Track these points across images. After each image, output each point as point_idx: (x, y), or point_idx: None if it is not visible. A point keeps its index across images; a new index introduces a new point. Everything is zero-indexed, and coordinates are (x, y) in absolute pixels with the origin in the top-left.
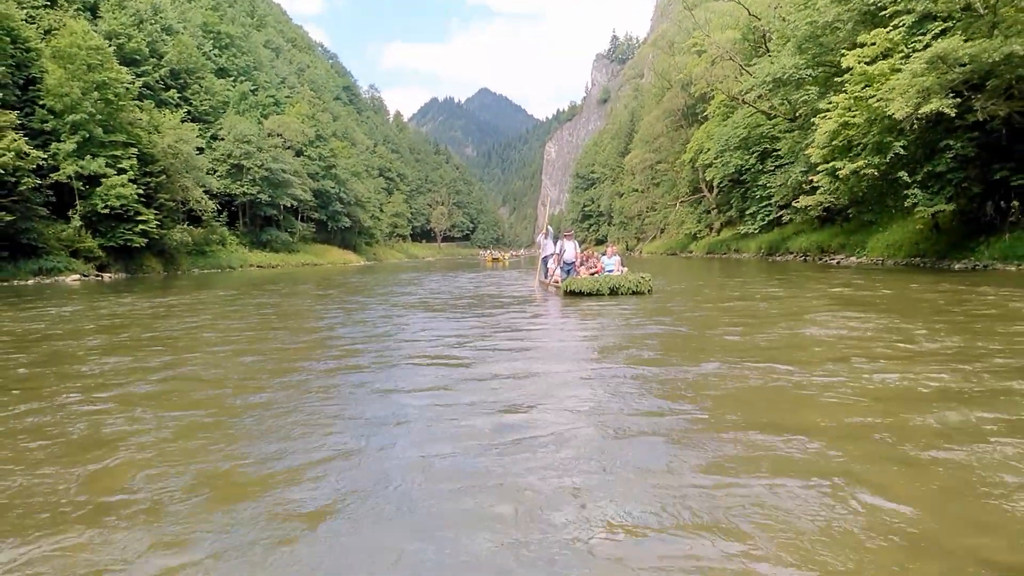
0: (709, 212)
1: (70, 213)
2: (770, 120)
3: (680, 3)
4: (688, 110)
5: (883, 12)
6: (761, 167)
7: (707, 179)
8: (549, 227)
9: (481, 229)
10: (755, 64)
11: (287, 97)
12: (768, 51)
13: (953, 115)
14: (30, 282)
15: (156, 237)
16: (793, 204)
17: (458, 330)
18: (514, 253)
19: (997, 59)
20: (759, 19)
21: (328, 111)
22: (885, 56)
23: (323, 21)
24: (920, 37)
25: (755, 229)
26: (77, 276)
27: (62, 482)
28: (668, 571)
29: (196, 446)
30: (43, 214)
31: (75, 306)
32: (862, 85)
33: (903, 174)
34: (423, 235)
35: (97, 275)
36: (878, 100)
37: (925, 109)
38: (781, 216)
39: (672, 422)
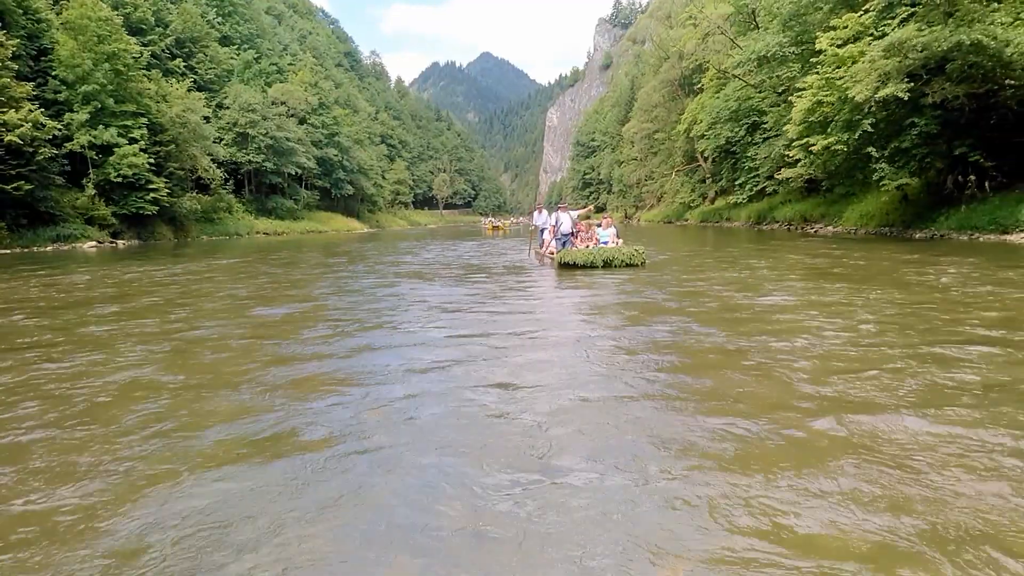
0: (704, 182)
1: (84, 182)
2: (759, 93)
3: None
4: (684, 80)
5: None
6: (750, 139)
7: (700, 150)
8: (542, 207)
9: (483, 196)
10: (747, 37)
11: (290, 65)
12: (758, 26)
13: (906, 98)
14: (48, 248)
15: (167, 205)
16: (775, 176)
17: (449, 299)
18: (515, 220)
19: (946, 47)
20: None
21: (330, 78)
22: (857, 39)
23: None
24: (889, 21)
25: (744, 199)
26: (93, 243)
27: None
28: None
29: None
30: (59, 183)
31: (102, 271)
32: (834, 67)
33: (871, 149)
34: (425, 202)
35: (111, 242)
36: (845, 82)
37: (882, 93)
38: (767, 187)
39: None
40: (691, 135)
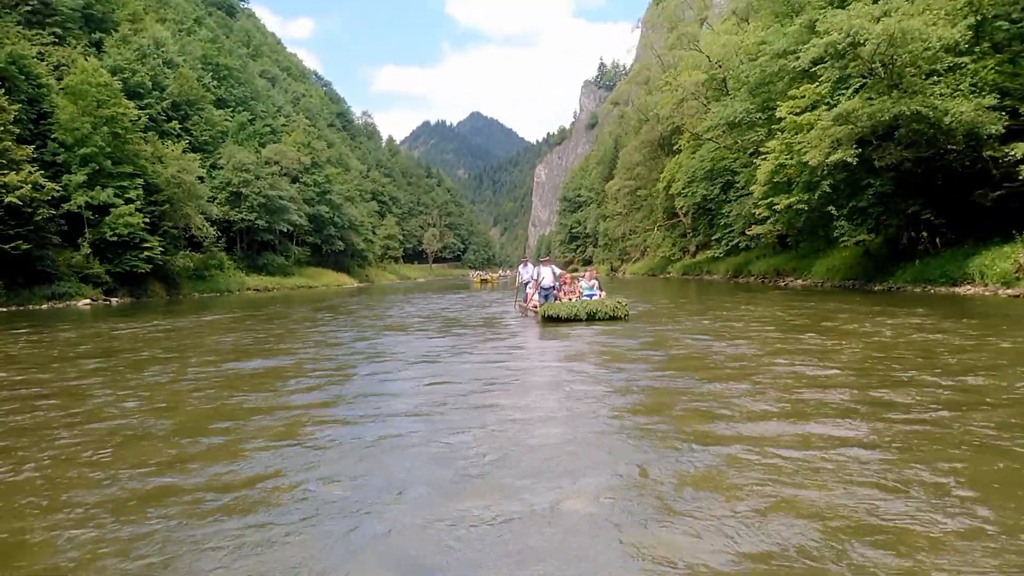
0: (684, 236)
1: (80, 241)
2: (732, 154)
3: (660, 37)
4: (663, 141)
5: (815, 67)
6: (724, 197)
7: (678, 207)
8: (527, 261)
9: (472, 250)
10: (718, 103)
11: (283, 126)
12: (728, 92)
13: (855, 163)
14: (44, 306)
15: (160, 263)
16: (747, 232)
17: (430, 350)
18: (503, 273)
19: (890, 117)
20: (720, 66)
21: (323, 138)
22: (814, 107)
23: (315, 45)
24: (843, 91)
25: (720, 253)
26: (87, 300)
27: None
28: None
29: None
30: (56, 242)
31: (94, 328)
32: (793, 132)
33: (831, 208)
34: (415, 256)
35: (105, 299)
36: (802, 147)
37: (833, 158)
38: (740, 242)
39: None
40: (670, 192)
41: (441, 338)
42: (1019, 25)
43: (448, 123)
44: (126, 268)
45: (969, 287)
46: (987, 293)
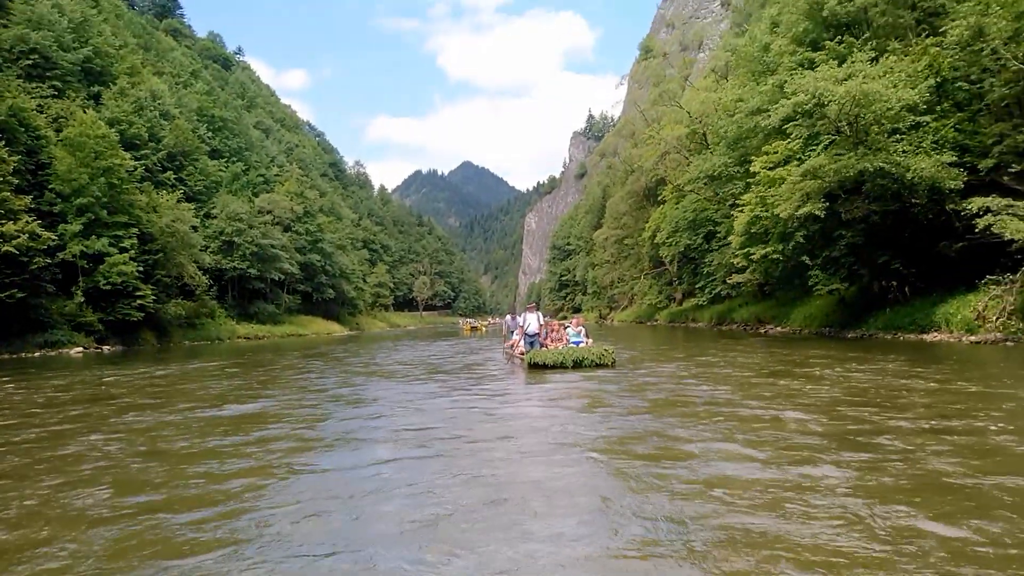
0: (670, 284)
1: (73, 289)
2: (714, 205)
3: (646, 92)
4: (648, 192)
5: (786, 126)
6: (707, 246)
7: (663, 256)
8: (510, 316)
9: (463, 297)
10: (699, 156)
11: (276, 175)
12: (708, 146)
13: (822, 216)
14: (37, 354)
15: (152, 311)
16: (726, 281)
17: (413, 397)
18: (492, 321)
19: (854, 173)
20: (700, 122)
21: (315, 188)
22: (786, 162)
23: (308, 96)
24: (814, 147)
25: (704, 301)
26: (80, 348)
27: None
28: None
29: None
30: (50, 290)
31: (87, 375)
32: (766, 186)
33: (806, 258)
34: (406, 304)
35: (97, 347)
36: (775, 200)
37: (803, 211)
38: (722, 291)
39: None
40: (655, 241)
41: (423, 384)
42: (978, 86)
43: (440, 172)
44: (118, 316)
45: (936, 334)
46: (952, 340)
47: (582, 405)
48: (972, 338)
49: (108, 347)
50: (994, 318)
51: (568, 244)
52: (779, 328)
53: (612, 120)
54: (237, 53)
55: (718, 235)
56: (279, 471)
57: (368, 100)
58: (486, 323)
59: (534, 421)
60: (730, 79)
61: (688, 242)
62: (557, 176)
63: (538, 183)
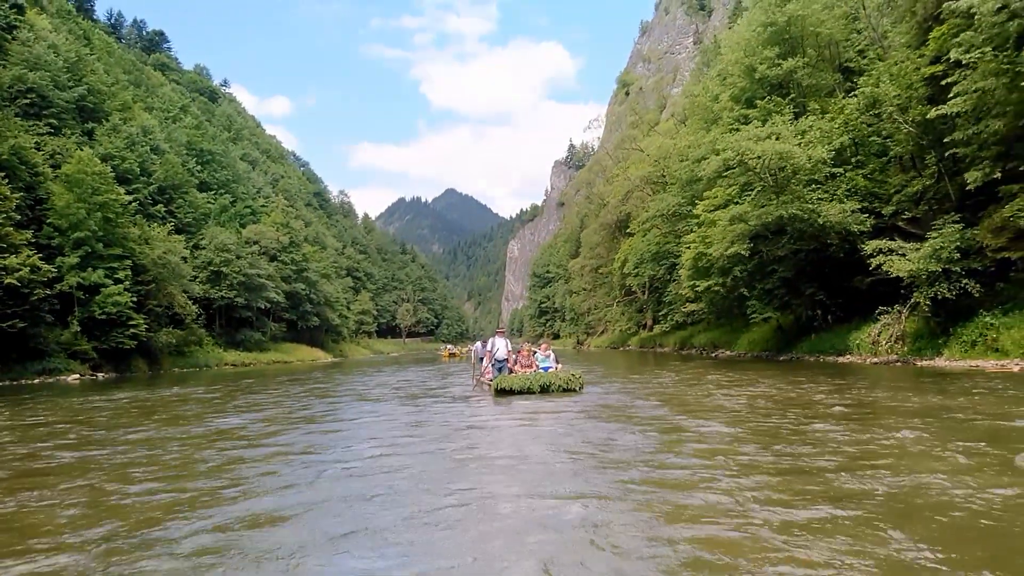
0: (640, 311)
1: (70, 319)
2: (675, 239)
3: (625, 122)
4: (619, 224)
5: (721, 176)
6: (669, 277)
7: (630, 285)
8: (480, 343)
9: (445, 324)
10: (658, 196)
11: (263, 206)
12: (666, 187)
13: (747, 255)
14: (35, 381)
15: (144, 340)
16: (681, 309)
17: (376, 422)
18: (471, 347)
19: (772, 219)
20: (659, 164)
21: (300, 218)
22: (727, 205)
23: (292, 122)
24: (749, 192)
25: (668, 328)
26: (76, 375)
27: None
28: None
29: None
30: (48, 320)
31: (90, 399)
32: (707, 227)
33: (744, 290)
34: (389, 331)
35: (91, 375)
36: (710, 240)
37: (730, 251)
38: (685, 318)
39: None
40: (624, 272)
41: (379, 404)
42: (886, 140)
43: (423, 199)
44: (112, 344)
45: (848, 356)
46: (859, 361)
47: (538, 432)
48: (873, 359)
49: (102, 374)
50: (884, 343)
51: (548, 272)
52: (728, 352)
53: (592, 149)
54: (223, 85)
55: (678, 267)
56: (243, 489)
57: (352, 127)
58: (465, 349)
59: (476, 448)
60: (687, 124)
61: (652, 273)
62: (539, 204)
63: (521, 210)
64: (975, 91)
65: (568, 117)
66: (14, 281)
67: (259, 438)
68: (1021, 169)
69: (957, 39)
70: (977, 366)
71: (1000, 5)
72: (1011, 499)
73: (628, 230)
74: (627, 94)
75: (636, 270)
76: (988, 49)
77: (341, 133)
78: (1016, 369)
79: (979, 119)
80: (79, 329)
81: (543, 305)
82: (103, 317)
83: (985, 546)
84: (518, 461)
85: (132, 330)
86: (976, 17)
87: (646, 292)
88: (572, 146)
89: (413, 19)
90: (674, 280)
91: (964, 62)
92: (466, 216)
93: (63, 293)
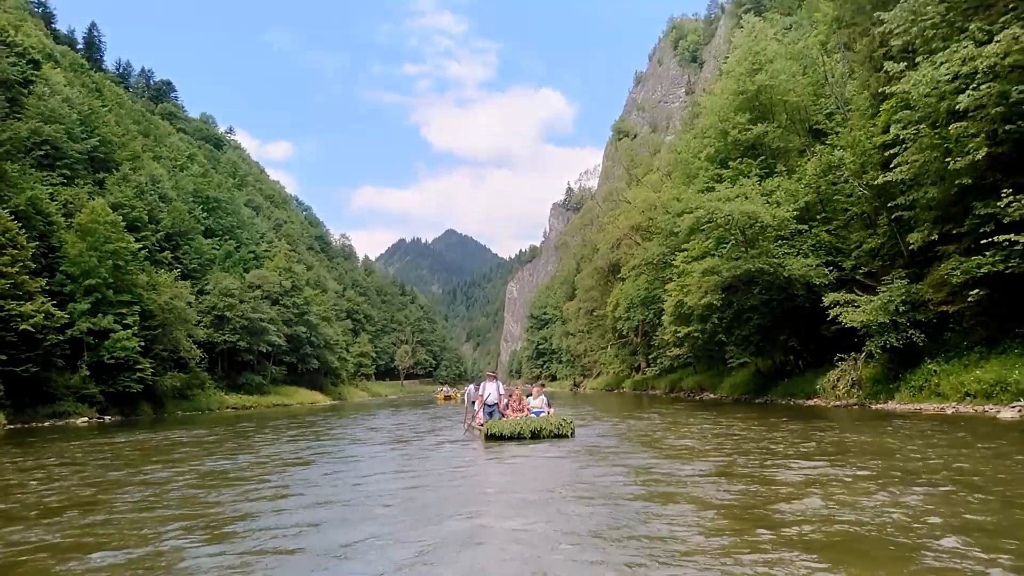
0: (634, 354)
1: (79, 363)
2: (663, 284)
3: (619, 167)
4: (612, 268)
5: (697, 230)
6: (657, 321)
7: (621, 329)
8: (472, 386)
9: (444, 366)
10: (643, 245)
11: (265, 251)
12: (651, 237)
13: (719, 305)
14: (46, 424)
15: (150, 383)
16: (666, 355)
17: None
18: (465, 389)
19: (740, 272)
20: (646, 214)
21: (302, 262)
22: (704, 256)
23: (293, 166)
24: (725, 245)
25: (658, 371)
26: (85, 419)
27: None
28: None
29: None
30: (59, 365)
31: (109, 440)
32: (685, 276)
33: (722, 336)
34: (387, 372)
35: (99, 418)
36: (687, 289)
37: (704, 301)
38: (673, 362)
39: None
40: (615, 315)
41: (368, 448)
42: (849, 198)
43: (423, 240)
44: (119, 388)
45: (815, 400)
46: (824, 404)
47: (524, 481)
48: (836, 403)
49: (109, 417)
50: (842, 388)
51: (545, 313)
52: (711, 395)
53: (591, 192)
54: (228, 132)
55: (664, 312)
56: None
57: (353, 170)
58: (460, 392)
59: (464, 497)
60: (672, 177)
61: (642, 317)
62: (538, 245)
63: (520, 251)
64: (914, 161)
65: (566, 160)
66: (29, 327)
67: (252, 479)
68: (955, 232)
69: (896, 116)
70: (920, 409)
71: (930, 90)
72: (877, 509)
73: (620, 275)
74: (621, 140)
75: (627, 314)
76: (923, 126)
77: (342, 176)
78: (950, 412)
79: (920, 186)
80: (88, 373)
81: (540, 347)
82: (111, 362)
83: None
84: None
85: (139, 374)
86: (911, 98)
87: (639, 335)
88: (570, 189)
89: (414, 66)
90: (661, 325)
91: (902, 137)
92: (466, 257)
93: (73, 338)
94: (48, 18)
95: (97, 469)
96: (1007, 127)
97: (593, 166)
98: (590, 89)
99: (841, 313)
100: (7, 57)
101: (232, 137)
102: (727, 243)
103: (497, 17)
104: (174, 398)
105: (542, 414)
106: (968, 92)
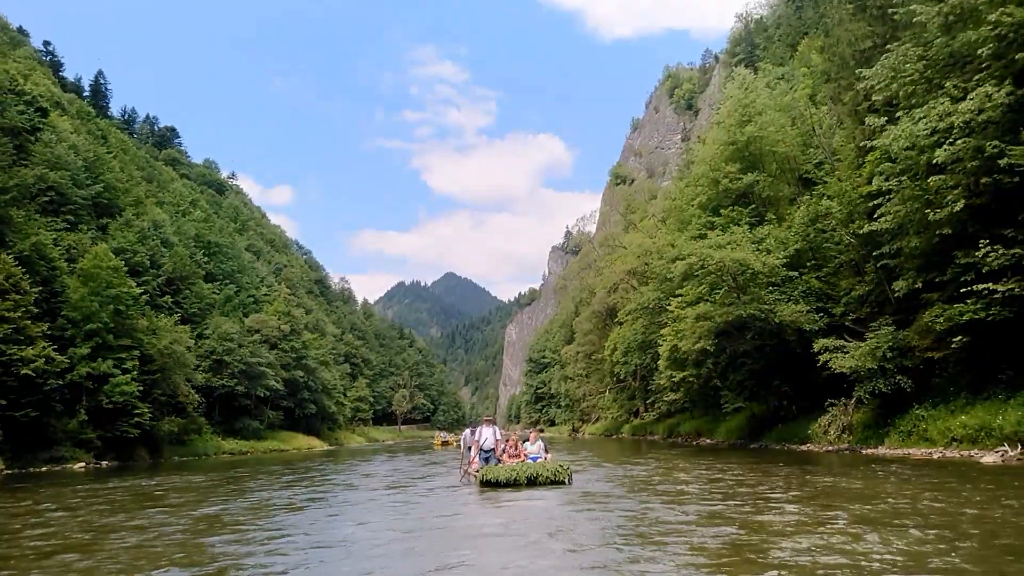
0: (632, 399)
1: (77, 408)
2: (659, 330)
3: (617, 212)
4: (609, 312)
5: (690, 276)
6: (654, 366)
7: (619, 373)
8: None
9: (442, 410)
10: (638, 290)
11: (265, 295)
12: (647, 281)
13: (712, 350)
14: (43, 469)
15: (148, 428)
16: (663, 399)
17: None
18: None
19: (732, 318)
20: (641, 259)
21: (302, 305)
22: (698, 302)
23: (295, 210)
24: (718, 291)
25: (656, 416)
26: (82, 464)
27: None
28: None
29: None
30: (59, 410)
31: (107, 487)
32: (679, 322)
33: (717, 381)
34: (384, 418)
35: (96, 463)
36: (681, 334)
37: (697, 346)
38: (671, 407)
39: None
40: (613, 359)
41: (363, 494)
42: (838, 246)
43: (423, 283)
44: (117, 433)
45: (808, 445)
46: (816, 449)
47: (519, 532)
48: (828, 448)
49: (106, 462)
50: (833, 433)
51: (543, 357)
52: (708, 440)
53: (589, 236)
54: (231, 177)
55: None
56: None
57: (353, 214)
58: (457, 437)
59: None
60: (666, 223)
61: (639, 361)
62: (537, 288)
63: (519, 294)
64: (897, 211)
65: (565, 204)
66: (29, 372)
67: (245, 524)
68: (938, 280)
69: (879, 168)
70: (908, 454)
71: (909, 143)
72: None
73: (617, 319)
74: (619, 185)
75: (625, 358)
76: (905, 178)
77: (342, 220)
78: (936, 456)
79: (904, 235)
80: (86, 418)
81: (539, 391)
82: (110, 406)
83: None
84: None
85: (136, 419)
86: (892, 151)
87: (636, 380)
88: (569, 233)
89: (415, 113)
90: (658, 369)
91: (885, 189)
92: (465, 299)
93: (73, 383)
94: (56, 66)
95: (92, 514)
96: (983, 180)
97: (591, 211)
98: (588, 134)
99: (831, 359)
100: (16, 106)
101: (234, 182)
102: (720, 289)
103: (497, 67)
104: (171, 443)
105: (539, 460)
106: (945, 146)
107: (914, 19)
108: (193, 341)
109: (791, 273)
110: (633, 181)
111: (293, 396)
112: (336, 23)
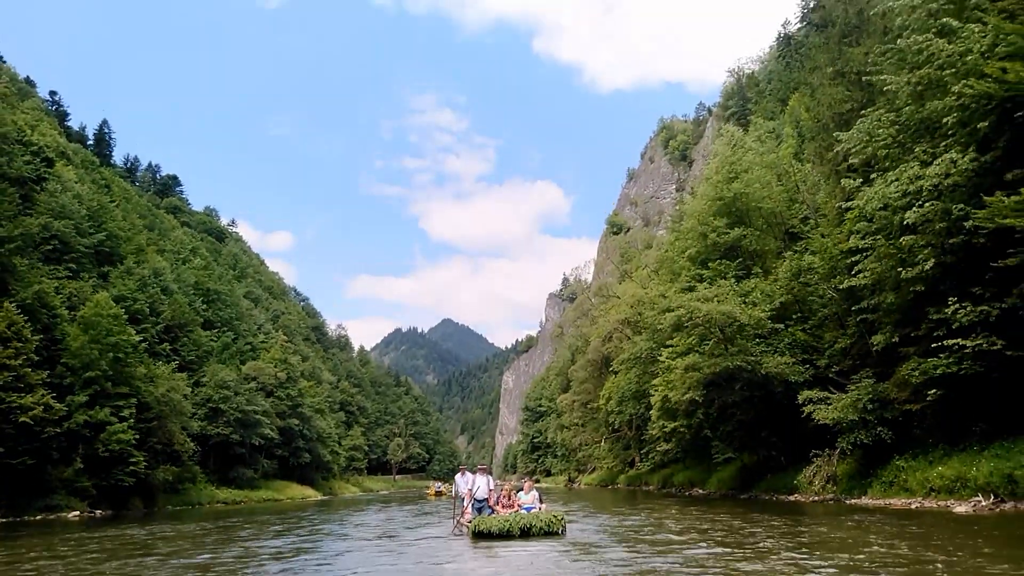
0: (627, 449)
1: (73, 456)
2: (651, 380)
3: (613, 261)
4: (605, 360)
5: (679, 327)
6: (648, 416)
7: (613, 423)
8: (466, 472)
9: (437, 460)
10: (631, 340)
11: (262, 343)
12: (639, 332)
13: (701, 401)
14: (38, 518)
15: (143, 476)
16: (656, 449)
17: None
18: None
19: (718, 370)
20: (634, 309)
21: (298, 353)
22: (688, 352)
23: (292, 255)
24: (708, 342)
25: (650, 466)
26: (77, 513)
27: None
28: None
29: None
30: (55, 457)
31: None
32: (669, 372)
33: (707, 432)
34: (379, 467)
35: (90, 512)
36: (671, 385)
37: (687, 396)
38: (660, 457)
39: None
40: (607, 409)
41: (355, 543)
42: (821, 299)
43: (419, 330)
44: (112, 481)
45: (796, 495)
46: (804, 500)
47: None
48: (813, 498)
49: (100, 511)
50: (817, 483)
51: (540, 406)
52: (700, 491)
53: (585, 283)
54: (230, 224)
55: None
56: None
57: (350, 259)
58: (450, 487)
59: None
60: (659, 273)
61: (633, 411)
62: (534, 335)
63: (516, 340)
64: (873, 268)
65: (562, 250)
66: (28, 420)
67: (237, 572)
68: (913, 335)
69: (856, 227)
70: (889, 504)
71: (883, 204)
72: None
73: (612, 368)
74: (616, 234)
75: (619, 407)
76: (879, 237)
77: (340, 265)
78: (914, 507)
79: (881, 291)
80: (81, 466)
81: (535, 440)
82: (106, 455)
83: None
84: None
85: (132, 467)
86: (867, 211)
87: (631, 429)
88: (566, 280)
89: (414, 160)
90: (651, 419)
91: (860, 247)
92: (461, 346)
93: (70, 430)
94: (62, 116)
95: (86, 564)
96: (952, 240)
97: (586, 260)
98: (585, 182)
99: (815, 410)
100: (22, 156)
101: (234, 229)
102: (708, 341)
103: (496, 116)
104: (165, 492)
105: (533, 510)
106: (915, 208)
107: (885, 88)
108: (190, 389)
109: (777, 325)
110: (629, 230)
111: (288, 445)
112: (337, 73)
